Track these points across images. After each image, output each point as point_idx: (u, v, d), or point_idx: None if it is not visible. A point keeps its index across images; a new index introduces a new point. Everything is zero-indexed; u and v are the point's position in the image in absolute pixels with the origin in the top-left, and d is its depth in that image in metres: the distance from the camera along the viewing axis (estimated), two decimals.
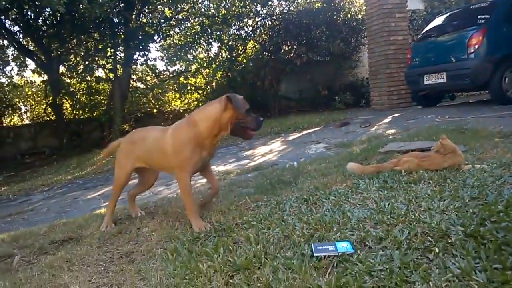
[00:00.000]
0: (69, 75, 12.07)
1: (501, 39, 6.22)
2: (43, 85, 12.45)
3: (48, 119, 12.47)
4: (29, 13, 10.52)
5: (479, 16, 6.41)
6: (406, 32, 8.65)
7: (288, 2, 11.58)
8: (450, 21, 7.24)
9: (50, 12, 10.22)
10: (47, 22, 10.89)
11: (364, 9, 9.37)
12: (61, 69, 11.68)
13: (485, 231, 1.51)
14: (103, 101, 12.39)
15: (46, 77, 11.75)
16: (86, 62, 11.34)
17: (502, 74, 6.14)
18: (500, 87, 6.16)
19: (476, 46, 6.16)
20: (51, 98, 11.63)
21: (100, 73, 12.24)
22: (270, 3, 11.44)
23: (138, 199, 3.94)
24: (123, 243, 2.31)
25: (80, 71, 11.75)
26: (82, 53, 11.66)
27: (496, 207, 1.69)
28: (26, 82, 13.26)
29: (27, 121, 13.31)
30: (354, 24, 11.71)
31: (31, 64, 12.37)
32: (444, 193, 2.05)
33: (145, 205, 3.20)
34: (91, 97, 12.32)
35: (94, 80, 12.04)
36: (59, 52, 11.15)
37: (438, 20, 7.67)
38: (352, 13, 11.80)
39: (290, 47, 12.44)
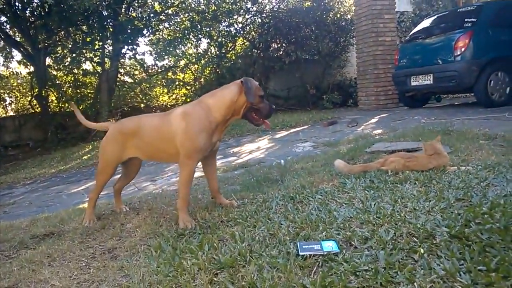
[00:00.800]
0: (56, 67, 11.85)
1: (487, 42, 6.32)
2: (29, 77, 12.20)
3: (33, 111, 12.23)
4: (16, 3, 10.30)
5: (466, 20, 6.49)
6: (394, 34, 8.73)
7: (278, 0, 11.56)
8: (437, 24, 7.31)
9: (39, 3, 10.03)
10: (35, 13, 10.67)
11: (353, 10, 9.42)
12: (48, 61, 11.46)
13: (469, 233, 1.52)
14: (89, 95, 12.21)
15: (32, 68, 11.52)
16: (74, 55, 11.13)
17: (488, 77, 6.23)
18: (485, 90, 6.26)
19: (463, 49, 6.24)
20: (36, 90, 11.42)
21: (87, 66, 12.05)
22: (260, 0, 11.41)
23: (122, 194, 3.89)
24: (106, 238, 2.27)
25: (67, 63, 11.54)
26: (70, 46, 11.44)
27: (481, 209, 1.71)
28: (11, 73, 12.98)
29: (11, 113, 13.03)
30: (343, 24, 11.76)
31: (17, 55, 12.13)
32: (429, 194, 2.06)
33: (130, 200, 3.15)
34: (78, 90, 12.13)
35: (81, 73, 11.85)
36: (46, 44, 10.94)
37: (426, 22, 7.75)
38: (342, 13, 11.84)
39: (279, 45, 12.44)
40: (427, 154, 2.56)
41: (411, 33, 8.15)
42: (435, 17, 7.77)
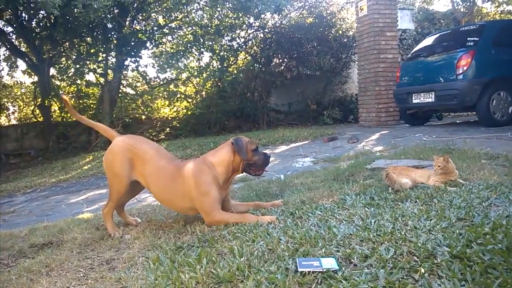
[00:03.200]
0: (60, 78, 11.95)
1: (489, 61, 6.36)
2: (33, 87, 12.30)
3: (36, 120, 12.28)
4: (23, 14, 10.44)
5: (468, 38, 6.54)
6: (396, 51, 8.80)
7: (280, 16, 11.69)
8: (439, 42, 7.37)
9: (44, 15, 10.15)
10: (41, 24, 10.81)
11: (356, 27, 9.52)
12: (52, 71, 11.56)
13: (471, 253, 1.50)
14: (92, 105, 12.27)
15: (36, 78, 11.61)
16: (77, 66, 11.24)
17: (490, 97, 6.25)
18: (487, 109, 6.26)
19: (465, 68, 6.27)
20: (40, 99, 11.49)
21: (90, 77, 12.15)
22: (263, 16, 11.54)
23: None
24: (105, 249, 2.25)
25: (70, 74, 11.65)
26: (74, 57, 11.57)
27: (483, 229, 1.69)
28: (16, 82, 13.11)
29: (14, 122, 13.08)
30: (345, 40, 11.88)
31: (22, 65, 12.25)
32: (430, 212, 2.05)
33: (129, 212, 3.13)
34: (80, 101, 12.21)
35: (84, 83, 11.94)
36: (50, 55, 11.06)
37: (428, 41, 7.81)
38: (344, 30, 11.97)
39: (281, 60, 12.55)
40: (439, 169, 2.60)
41: (413, 50, 8.22)
42: (437, 35, 7.84)
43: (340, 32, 11.92)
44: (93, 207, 4.09)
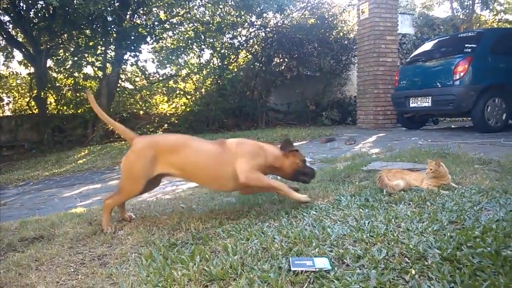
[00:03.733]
0: (57, 70, 11.86)
1: (486, 68, 6.40)
2: (29, 78, 12.21)
3: (31, 112, 12.19)
4: (21, 4, 10.36)
5: (466, 45, 6.58)
6: (395, 55, 8.83)
7: (282, 15, 11.70)
8: (438, 47, 7.41)
9: (43, 5, 10.09)
10: (39, 14, 10.73)
11: (356, 29, 9.53)
12: (49, 63, 11.48)
13: (461, 256, 1.52)
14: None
15: (32, 69, 11.53)
16: (75, 58, 11.15)
17: (485, 103, 6.30)
18: (482, 115, 6.32)
19: (462, 74, 6.31)
20: (35, 91, 11.40)
21: (88, 70, 12.09)
22: (265, 15, 11.54)
23: None
24: (97, 245, 2.24)
25: (68, 66, 11.56)
26: (72, 49, 11.49)
27: (473, 233, 1.71)
28: (11, 73, 12.98)
29: (8, 113, 12.98)
30: (345, 42, 11.91)
31: (18, 55, 12.14)
32: (423, 215, 2.06)
33: None
34: (77, 94, 12.12)
35: (81, 76, 11.86)
36: (48, 46, 10.97)
37: (427, 46, 7.85)
38: (345, 32, 12.00)
39: (281, 60, 12.56)
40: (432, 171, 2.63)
41: (412, 55, 8.26)
42: (436, 41, 7.88)
43: (341, 34, 11.94)
44: (87, 202, 4.08)
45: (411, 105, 7.18)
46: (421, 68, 7.27)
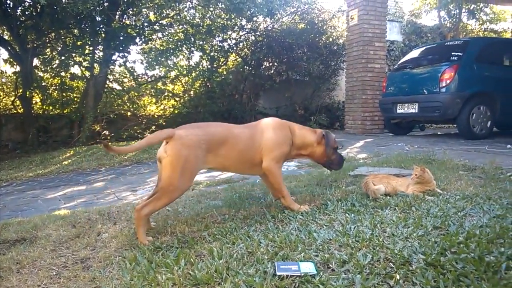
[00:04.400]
0: (43, 69, 11.65)
1: (471, 76, 6.51)
2: (14, 77, 11.99)
3: (16, 111, 11.96)
4: (7, 1, 10.18)
5: (452, 53, 6.70)
6: (383, 61, 8.93)
7: (273, 20, 11.73)
8: (425, 55, 7.52)
9: (31, 3, 9.93)
10: (26, 12, 10.55)
11: (346, 35, 9.62)
12: (35, 62, 11.28)
13: (445, 261, 1.53)
14: (75, 99, 12.02)
15: (18, 68, 11.32)
16: (62, 58, 10.98)
17: (470, 110, 6.41)
18: (467, 122, 6.42)
19: (448, 81, 6.42)
20: (21, 90, 11.20)
21: (75, 70, 11.91)
22: (255, 18, 11.55)
23: (101, 203, 3.83)
24: (80, 248, 2.21)
25: (55, 66, 11.38)
26: (59, 48, 11.31)
27: (457, 238, 1.73)
28: None
29: None
30: (335, 48, 11.99)
31: (4, 53, 11.95)
32: (408, 220, 2.08)
33: (108, 210, 3.09)
34: (64, 94, 11.92)
35: (68, 76, 11.68)
36: (35, 45, 10.78)
37: (414, 53, 7.96)
38: (334, 38, 12.09)
39: (271, 64, 12.58)
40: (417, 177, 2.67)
41: (399, 62, 8.36)
42: (424, 48, 7.99)
43: (331, 39, 12.03)
44: (71, 204, 4.02)
45: (398, 111, 7.27)
46: (408, 75, 7.37)
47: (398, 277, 1.47)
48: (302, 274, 1.54)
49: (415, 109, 6.90)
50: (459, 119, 6.50)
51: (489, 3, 14.28)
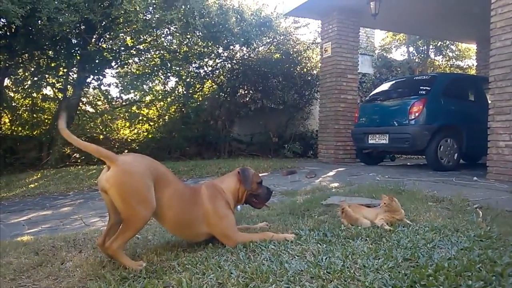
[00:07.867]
0: (14, 89, 11.36)
1: (439, 110, 6.79)
2: None
3: None
4: None
5: (421, 87, 6.99)
6: (355, 93, 9.21)
7: (249, 49, 11.97)
8: (395, 88, 7.82)
9: (5, 23, 9.76)
10: (0, 32, 10.35)
11: (319, 67, 9.91)
12: (6, 81, 11.00)
13: None
14: (46, 120, 11.71)
15: None
16: (35, 78, 10.76)
17: (438, 143, 6.64)
18: (435, 154, 6.64)
19: (417, 114, 6.66)
20: None
21: (48, 91, 11.66)
22: (231, 47, 11.76)
23: (67, 229, 3.68)
24: (42, 277, 2.09)
25: (27, 86, 11.12)
26: (32, 69, 11.10)
27: (426, 271, 1.75)
28: None
29: None
30: (309, 78, 12.30)
31: None
32: (379, 251, 2.10)
33: (74, 236, 2.97)
34: (34, 115, 11.60)
35: (40, 97, 11.43)
36: (7, 64, 10.53)
37: (385, 86, 8.27)
38: (308, 68, 12.42)
39: (246, 92, 12.75)
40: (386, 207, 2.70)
41: (371, 94, 8.65)
42: (394, 81, 8.33)
43: (305, 70, 12.35)
44: (35, 229, 3.84)
45: (370, 141, 7.45)
46: (379, 107, 7.61)
47: None
48: None
49: (385, 140, 7.08)
50: (427, 150, 6.71)
51: (454, 41, 15.14)
